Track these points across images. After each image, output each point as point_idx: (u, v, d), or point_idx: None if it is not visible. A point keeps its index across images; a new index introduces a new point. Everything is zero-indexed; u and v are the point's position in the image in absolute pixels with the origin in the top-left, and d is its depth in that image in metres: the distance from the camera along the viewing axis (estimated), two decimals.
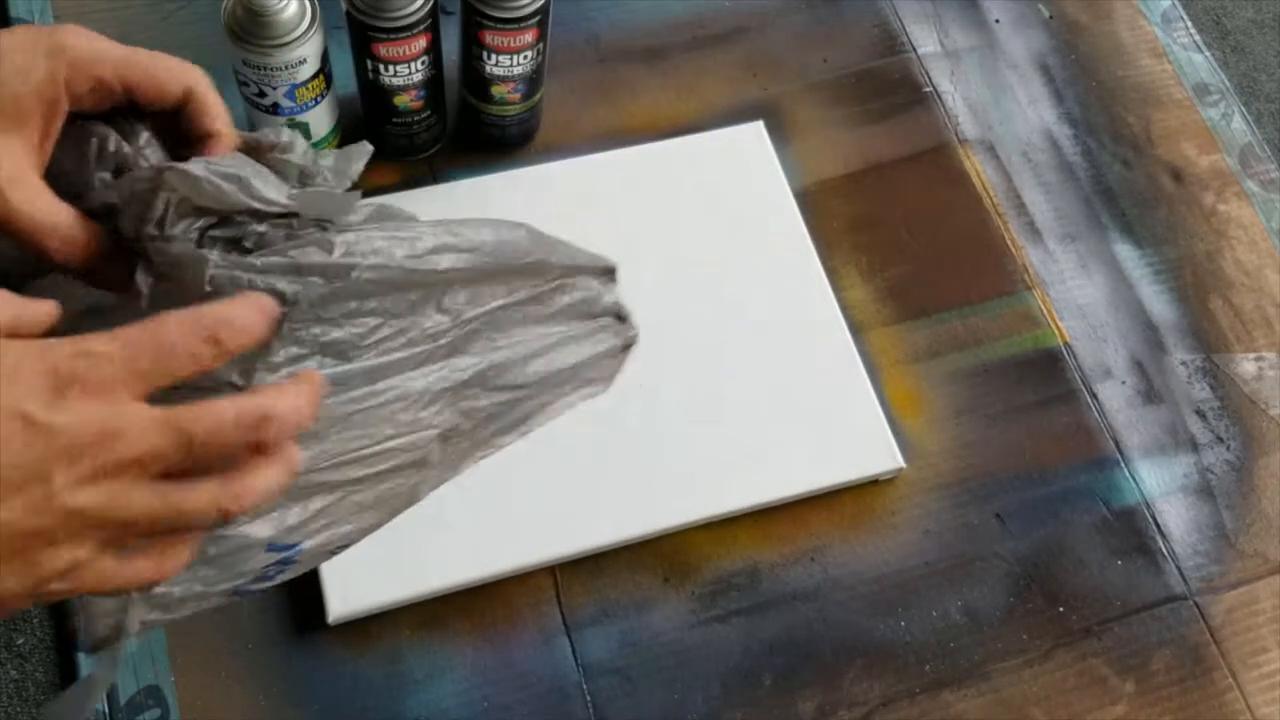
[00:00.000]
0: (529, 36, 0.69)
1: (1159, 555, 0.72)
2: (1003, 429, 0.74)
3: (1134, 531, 0.72)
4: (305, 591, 0.64)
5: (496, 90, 0.73)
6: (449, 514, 0.66)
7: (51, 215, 0.40)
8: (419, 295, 0.42)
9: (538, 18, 0.68)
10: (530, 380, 0.48)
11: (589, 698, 0.64)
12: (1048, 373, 0.76)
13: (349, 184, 0.44)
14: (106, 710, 0.61)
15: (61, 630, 0.63)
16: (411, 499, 0.46)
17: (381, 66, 0.69)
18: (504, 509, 0.67)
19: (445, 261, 0.42)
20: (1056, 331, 0.78)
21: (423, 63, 0.70)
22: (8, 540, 0.33)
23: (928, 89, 0.86)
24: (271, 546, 0.41)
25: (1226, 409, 0.77)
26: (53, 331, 0.37)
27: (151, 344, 0.35)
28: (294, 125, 0.70)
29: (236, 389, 0.38)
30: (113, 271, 0.41)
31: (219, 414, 0.35)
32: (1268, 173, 0.86)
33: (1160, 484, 0.74)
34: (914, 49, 0.87)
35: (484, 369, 0.46)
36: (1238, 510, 0.74)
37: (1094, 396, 0.76)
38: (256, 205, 0.39)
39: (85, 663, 0.62)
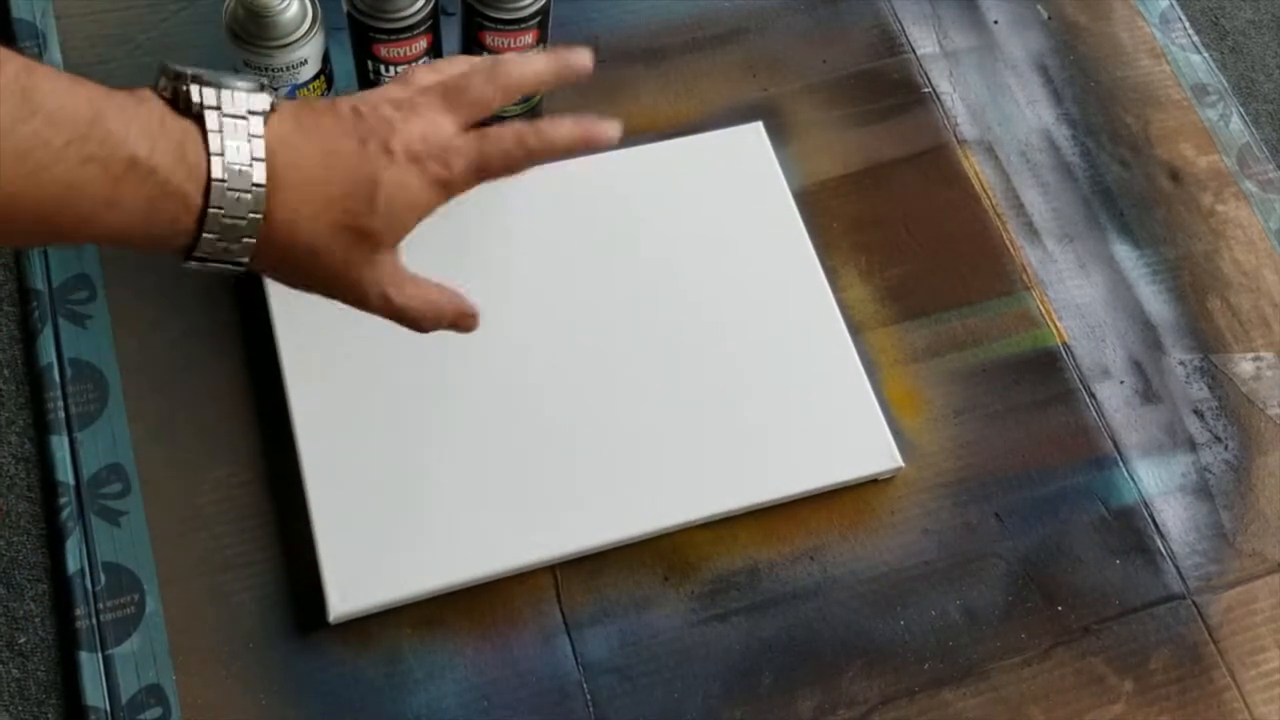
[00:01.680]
0: (529, 38, 0.70)
1: (1157, 554, 0.72)
2: (1001, 429, 0.74)
3: (1132, 531, 0.72)
4: (306, 591, 0.64)
5: None
6: (449, 513, 0.67)
7: (427, 303, 0.53)
8: None
9: (538, 19, 0.69)
10: None
11: (589, 697, 0.64)
12: (1046, 373, 0.77)
13: None
14: (109, 709, 0.61)
15: (63, 629, 0.64)
16: None
17: (382, 67, 0.69)
18: (504, 509, 0.67)
19: None
20: (1055, 331, 0.78)
21: (424, 63, 0.70)
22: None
23: (927, 90, 0.86)
24: None
25: (1224, 409, 0.77)
26: None
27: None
28: None
29: None
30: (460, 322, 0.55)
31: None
32: (1265, 173, 0.87)
33: (1158, 483, 0.74)
34: (913, 50, 0.88)
35: None
36: (1236, 510, 0.74)
37: (1092, 396, 0.76)
38: None
39: (87, 661, 0.62)
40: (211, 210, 0.45)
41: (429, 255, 0.73)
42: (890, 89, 0.86)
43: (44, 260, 0.71)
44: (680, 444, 0.70)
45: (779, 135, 0.81)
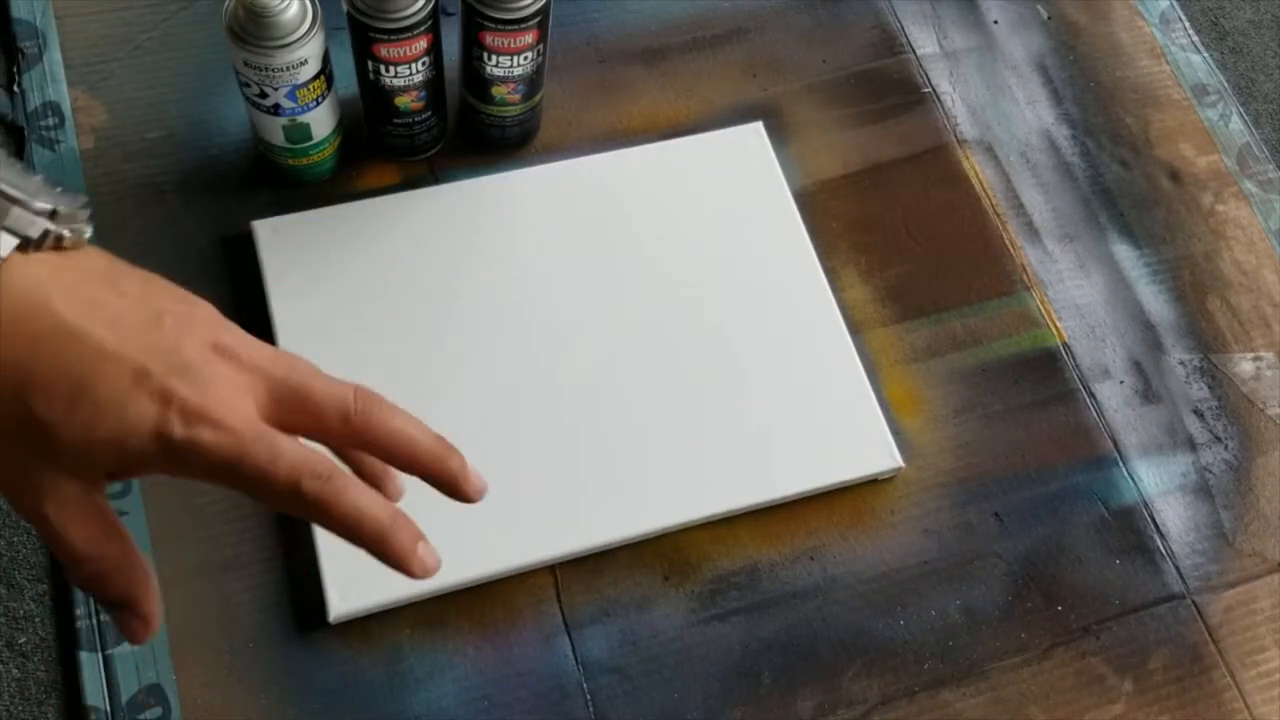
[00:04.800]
0: (529, 38, 0.70)
1: (1157, 554, 0.72)
2: (1001, 428, 0.74)
3: (1132, 531, 0.72)
4: (306, 590, 0.64)
5: (497, 91, 0.73)
6: (449, 514, 0.66)
7: (94, 548, 0.38)
8: None
9: (538, 19, 0.69)
10: None
11: (589, 696, 0.64)
12: (1046, 372, 0.77)
13: None
14: (108, 709, 0.61)
15: (63, 629, 0.64)
16: None
17: (382, 67, 0.69)
18: (504, 509, 0.67)
19: None
20: (1055, 331, 0.78)
21: (423, 63, 0.70)
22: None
23: (926, 90, 0.86)
24: None
25: (1224, 408, 0.77)
26: None
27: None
28: (295, 126, 0.70)
29: None
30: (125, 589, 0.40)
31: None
32: (1265, 173, 0.87)
33: (1158, 483, 0.74)
34: (913, 50, 0.88)
35: None
36: (1236, 510, 0.74)
37: (1092, 396, 0.76)
38: None
39: (87, 661, 0.62)
40: None
41: (429, 254, 0.74)
42: (890, 89, 0.86)
43: None
44: (680, 444, 0.70)
45: (779, 135, 0.81)
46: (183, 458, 0.37)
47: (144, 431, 0.37)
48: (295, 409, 0.40)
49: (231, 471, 0.38)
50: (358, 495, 0.40)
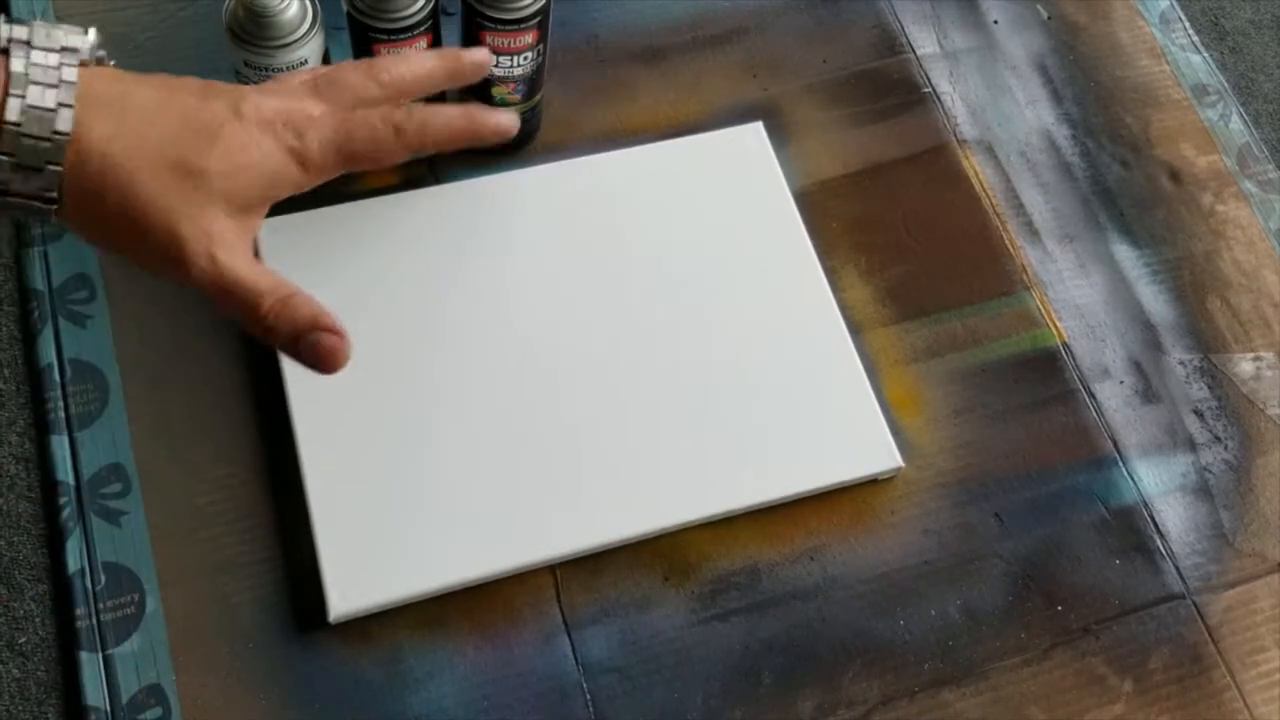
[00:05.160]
0: (529, 38, 0.70)
1: (1157, 554, 0.72)
2: (1001, 428, 0.74)
3: (1132, 531, 0.72)
4: (306, 590, 0.64)
5: (497, 91, 0.73)
6: (449, 513, 0.67)
7: (271, 284, 0.47)
8: None
9: (538, 19, 0.69)
10: None
11: (589, 697, 0.64)
12: (1046, 372, 0.77)
13: None
14: (108, 709, 0.61)
15: (63, 629, 0.64)
16: None
17: None
18: (504, 509, 0.67)
19: None
20: (1055, 331, 0.78)
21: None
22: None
23: (927, 89, 0.86)
24: None
25: (1224, 409, 0.77)
26: None
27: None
28: None
29: None
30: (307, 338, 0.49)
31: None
32: (1265, 173, 0.87)
33: (1158, 483, 0.74)
34: (913, 50, 0.88)
35: None
36: (1236, 510, 0.74)
37: (1092, 396, 0.76)
38: None
39: (87, 661, 0.62)
40: (8, 127, 0.41)
41: (429, 255, 0.74)
42: (890, 89, 0.86)
43: (44, 260, 0.71)
44: (680, 444, 0.70)
45: (779, 135, 0.81)
46: (306, 158, 0.47)
47: (273, 150, 0.46)
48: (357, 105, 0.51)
49: (344, 148, 0.49)
50: (435, 112, 0.52)
